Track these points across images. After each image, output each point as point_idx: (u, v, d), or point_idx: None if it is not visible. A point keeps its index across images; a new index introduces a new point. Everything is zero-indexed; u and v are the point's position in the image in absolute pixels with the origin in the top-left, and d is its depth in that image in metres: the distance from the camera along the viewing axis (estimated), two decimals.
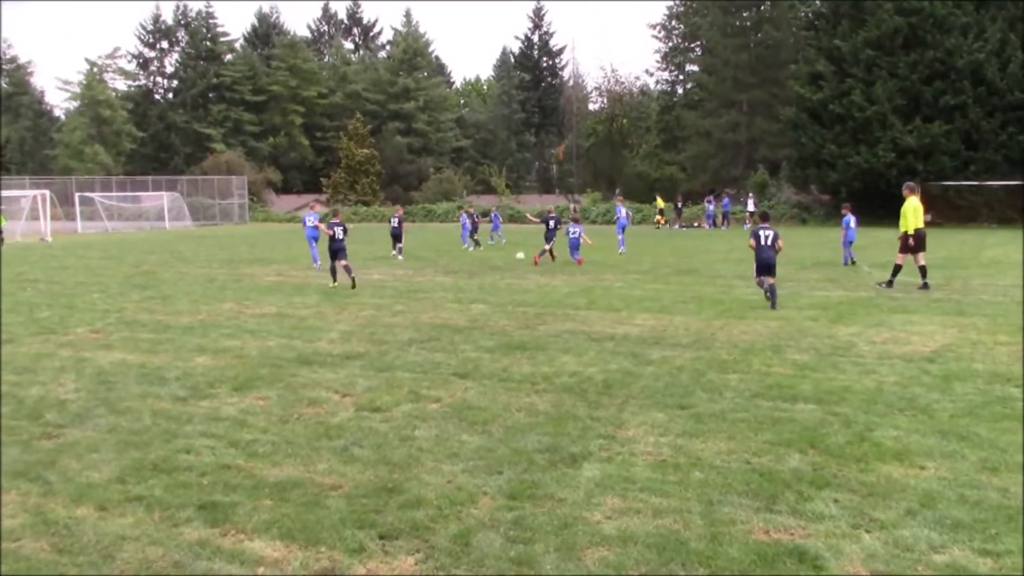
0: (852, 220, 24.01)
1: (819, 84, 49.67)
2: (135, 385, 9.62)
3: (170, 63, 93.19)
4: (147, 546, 5.34)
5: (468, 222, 33.49)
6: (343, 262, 19.33)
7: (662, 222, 51.31)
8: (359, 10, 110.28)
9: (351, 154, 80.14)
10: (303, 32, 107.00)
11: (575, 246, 25.09)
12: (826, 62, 49.33)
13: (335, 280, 19.55)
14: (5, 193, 54.31)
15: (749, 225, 48.56)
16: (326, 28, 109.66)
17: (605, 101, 78.23)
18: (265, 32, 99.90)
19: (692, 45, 72.89)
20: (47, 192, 48.60)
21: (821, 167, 49.50)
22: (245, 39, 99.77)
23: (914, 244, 17.99)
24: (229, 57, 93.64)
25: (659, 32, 74.26)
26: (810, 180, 52.53)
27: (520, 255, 27.29)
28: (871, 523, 5.56)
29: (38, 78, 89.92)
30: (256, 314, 15.20)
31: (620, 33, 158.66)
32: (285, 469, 6.70)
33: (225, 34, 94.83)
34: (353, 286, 18.91)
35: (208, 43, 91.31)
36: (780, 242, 15.76)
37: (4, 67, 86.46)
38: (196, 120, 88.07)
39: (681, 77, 75.51)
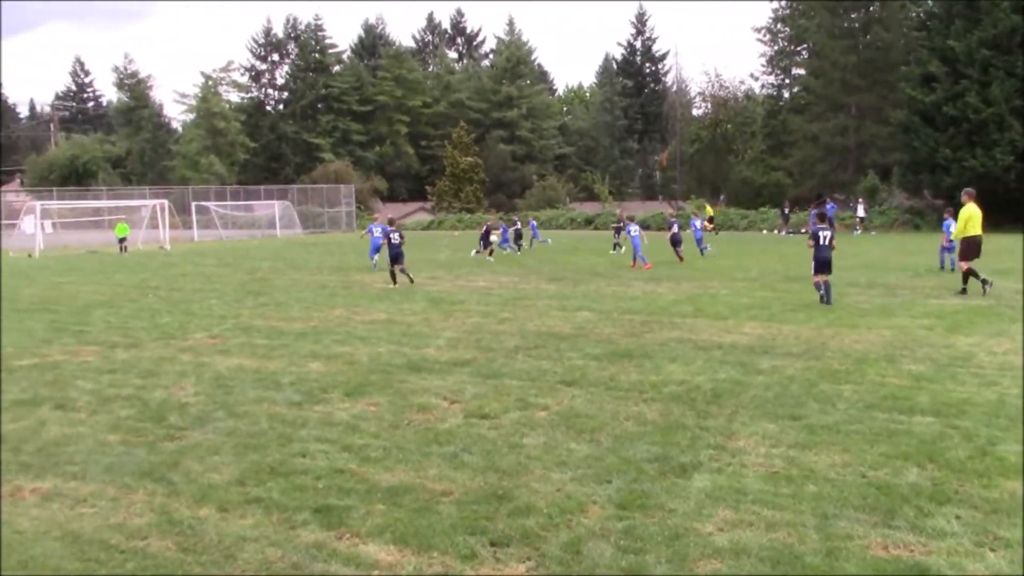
0: (952, 225, 23.13)
1: (932, 86, 48.08)
2: (252, 390, 9.91)
3: (281, 75, 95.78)
4: (266, 547, 5.50)
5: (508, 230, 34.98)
6: (400, 266, 21.23)
7: (710, 228, 51.03)
8: (463, 20, 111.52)
9: (455, 162, 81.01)
10: (408, 42, 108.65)
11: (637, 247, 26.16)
12: (939, 63, 47.73)
13: (395, 282, 21.34)
14: (127, 203, 56.67)
15: (859, 232, 47.33)
16: (430, 38, 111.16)
17: (709, 106, 77.18)
18: (371, 43, 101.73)
19: (798, 48, 71.42)
20: (165, 202, 50.43)
21: (934, 171, 47.89)
22: (352, 50, 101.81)
23: (963, 251, 17.98)
24: (337, 68, 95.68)
25: (764, 35, 73.04)
26: (923, 185, 50.89)
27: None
28: (995, 541, 5.38)
29: (158, 92, 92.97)
30: (366, 320, 15.49)
31: (724, 37, 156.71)
32: (397, 474, 6.81)
33: (333, 46, 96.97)
34: (411, 281, 21.43)
35: (317, 55, 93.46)
36: (834, 241, 16.97)
37: (126, 82, 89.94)
38: (306, 130, 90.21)
39: (787, 81, 74.05)
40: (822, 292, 16.48)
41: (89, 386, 10.27)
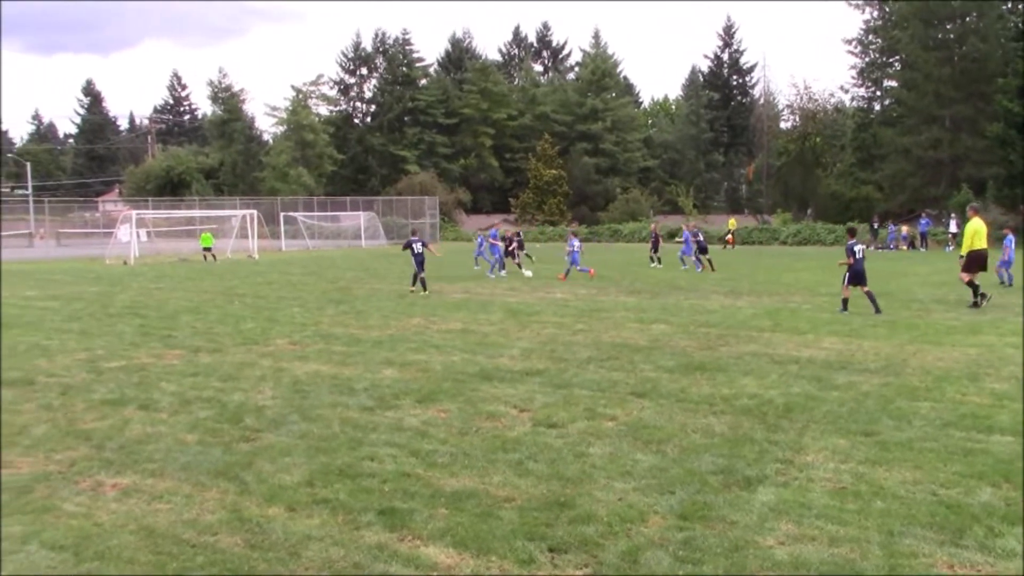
0: (1011, 240, 23.71)
1: None
2: (327, 394, 10.13)
3: (369, 88, 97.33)
4: (330, 547, 5.62)
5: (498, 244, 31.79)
6: (422, 273, 22.86)
7: (732, 243, 50.96)
8: (549, 33, 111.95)
9: (539, 175, 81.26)
10: (494, 56, 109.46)
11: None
12: None
13: (425, 289, 22.66)
14: (218, 213, 58.18)
15: (952, 248, 46.08)
16: (516, 51, 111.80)
17: (797, 119, 76.04)
18: (458, 57, 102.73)
19: (891, 60, 69.93)
20: (255, 212, 51.60)
21: None
22: (439, 64, 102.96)
23: (967, 264, 18.55)
24: (423, 82, 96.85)
25: (855, 47, 71.72)
26: (1019, 199, 49.36)
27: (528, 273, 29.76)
28: None
29: (250, 105, 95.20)
30: (442, 329, 15.67)
31: (813, 49, 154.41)
32: (461, 480, 6.90)
33: (420, 59, 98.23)
34: (425, 291, 22.53)
35: (404, 69, 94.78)
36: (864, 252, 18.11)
37: (220, 95, 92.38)
38: (392, 143, 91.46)
39: (878, 93, 72.57)
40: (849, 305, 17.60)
41: (172, 388, 10.61)
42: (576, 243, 28.34)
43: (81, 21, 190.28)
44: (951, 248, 46.02)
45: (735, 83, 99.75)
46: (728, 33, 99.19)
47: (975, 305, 18.04)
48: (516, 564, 5.34)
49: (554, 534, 5.74)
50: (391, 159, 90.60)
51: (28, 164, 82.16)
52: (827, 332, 14.76)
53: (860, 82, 72.65)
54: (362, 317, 17.75)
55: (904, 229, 49.89)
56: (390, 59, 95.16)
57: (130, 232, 46.76)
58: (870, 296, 17.48)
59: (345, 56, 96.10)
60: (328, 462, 7.39)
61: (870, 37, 70.82)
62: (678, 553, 5.43)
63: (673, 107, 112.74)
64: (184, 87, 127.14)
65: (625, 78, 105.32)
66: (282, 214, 58.95)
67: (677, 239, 38.32)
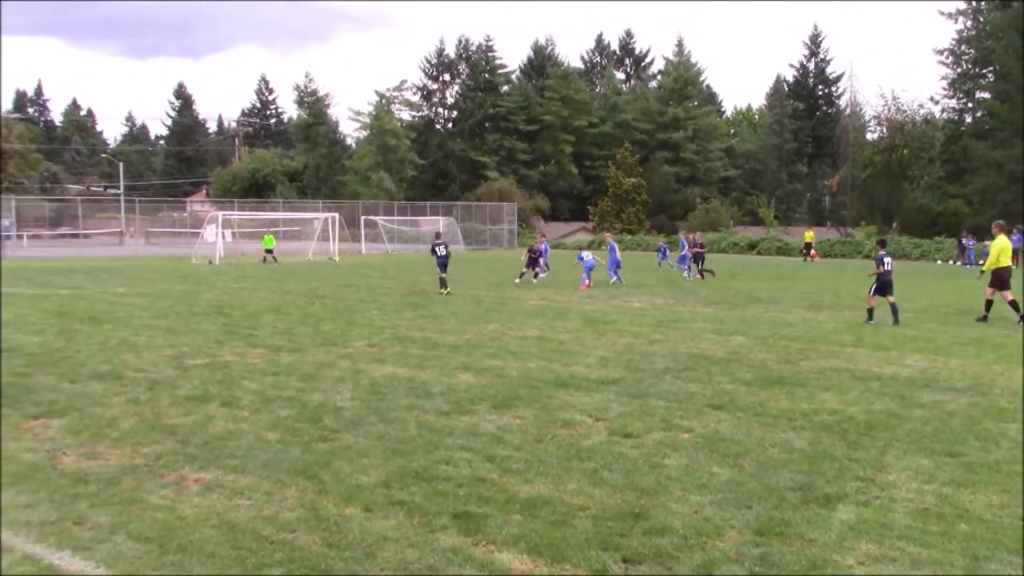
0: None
1: None
2: (404, 397, 10.23)
3: (451, 94, 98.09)
4: (405, 548, 5.68)
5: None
6: (443, 274, 24.70)
7: (815, 256, 50.09)
8: (632, 41, 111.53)
9: (618, 183, 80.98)
10: (576, 63, 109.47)
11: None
12: None
13: (446, 288, 24.43)
14: (302, 215, 59.18)
15: None
16: (599, 59, 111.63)
17: (884, 130, 74.37)
18: (540, 64, 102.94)
19: (983, 71, 68.11)
20: (336, 215, 52.36)
21: None
22: (521, 70, 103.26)
23: (995, 281, 18.72)
24: (505, 88, 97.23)
25: (946, 57, 70.00)
26: None
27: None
28: None
29: (334, 110, 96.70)
30: (518, 336, 15.71)
31: (903, 59, 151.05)
32: (536, 486, 6.91)
33: (503, 66, 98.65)
34: (446, 289, 24.39)
35: (486, 75, 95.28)
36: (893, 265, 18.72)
37: (306, 99, 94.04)
38: (472, 149, 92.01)
39: (970, 105, 70.68)
40: (877, 314, 18.20)
41: (254, 386, 10.83)
42: (587, 254, 29.38)
43: (175, 25, 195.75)
44: None
45: (821, 93, 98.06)
46: (814, 42, 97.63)
47: (984, 319, 18.61)
48: (590, 573, 5.34)
49: (628, 545, 5.72)
50: (471, 165, 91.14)
51: (121, 164, 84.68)
52: (911, 349, 14.43)
53: (951, 93, 70.87)
54: (439, 321, 17.89)
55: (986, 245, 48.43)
56: (473, 65, 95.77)
57: (216, 232, 47.85)
58: (893, 308, 18.14)
59: (428, 62, 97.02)
60: (404, 464, 7.46)
61: (962, 47, 69.05)
62: (754, 569, 5.37)
63: (756, 117, 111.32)
64: (271, 91, 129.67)
65: (708, 87, 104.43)
66: (363, 218, 59.70)
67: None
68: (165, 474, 7.23)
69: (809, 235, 55.70)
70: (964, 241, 50.24)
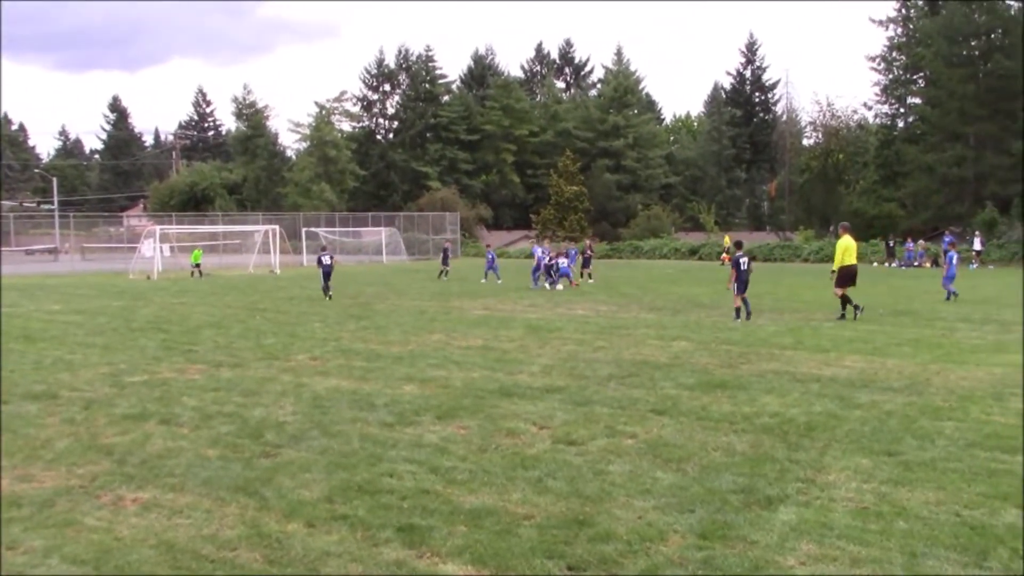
0: (955, 257, 25.88)
1: None
2: (347, 410, 10.14)
3: (391, 105, 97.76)
4: (349, 563, 5.62)
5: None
6: (327, 283, 26.82)
7: (727, 260, 51.30)
8: (571, 50, 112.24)
9: (560, 191, 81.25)
10: (517, 72, 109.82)
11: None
12: None
13: (328, 296, 26.45)
14: (242, 228, 58.53)
15: (976, 265, 45.79)
16: (539, 68, 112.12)
17: (820, 136, 75.69)
18: (480, 73, 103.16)
19: (914, 77, 69.67)
20: (277, 227, 51.87)
21: None
22: (461, 80, 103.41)
23: (839, 279, 19.79)
24: (446, 98, 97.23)
25: (878, 64, 71.53)
26: None
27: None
28: None
29: (273, 121, 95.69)
30: (462, 346, 15.67)
31: (837, 66, 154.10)
32: (481, 496, 6.89)
33: (443, 76, 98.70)
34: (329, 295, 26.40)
35: (427, 85, 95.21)
36: (752, 265, 20.15)
37: (244, 112, 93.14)
38: (414, 159, 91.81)
39: (902, 110, 72.25)
40: (742, 312, 19.53)
41: (193, 403, 10.66)
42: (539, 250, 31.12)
43: (112, 38, 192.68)
44: (975, 266, 45.70)
45: (757, 100, 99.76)
46: (751, 50, 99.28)
47: (843, 318, 19.41)
48: None
49: (573, 552, 5.72)
50: (413, 175, 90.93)
51: (55, 179, 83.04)
52: (849, 350, 14.66)
53: (883, 99, 72.42)
54: (382, 332, 17.78)
55: (921, 246, 49.53)
56: (413, 76, 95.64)
57: (154, 247, 47.13)
58: (745, 302, 19.68)
59: (368, 72, 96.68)
60: (348, 478, 7.39)
61: (894, 54, 70.63)
62: (697, 573, 5.40)
63: (695, 124, 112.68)
64: (209, 103, 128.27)
65: (647, 95, 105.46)
66: (304, 229, 59.22)
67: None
68: (101, 495, 7.07)
69: (727, 240, 56.82)
70: (908, 245, 51.17)
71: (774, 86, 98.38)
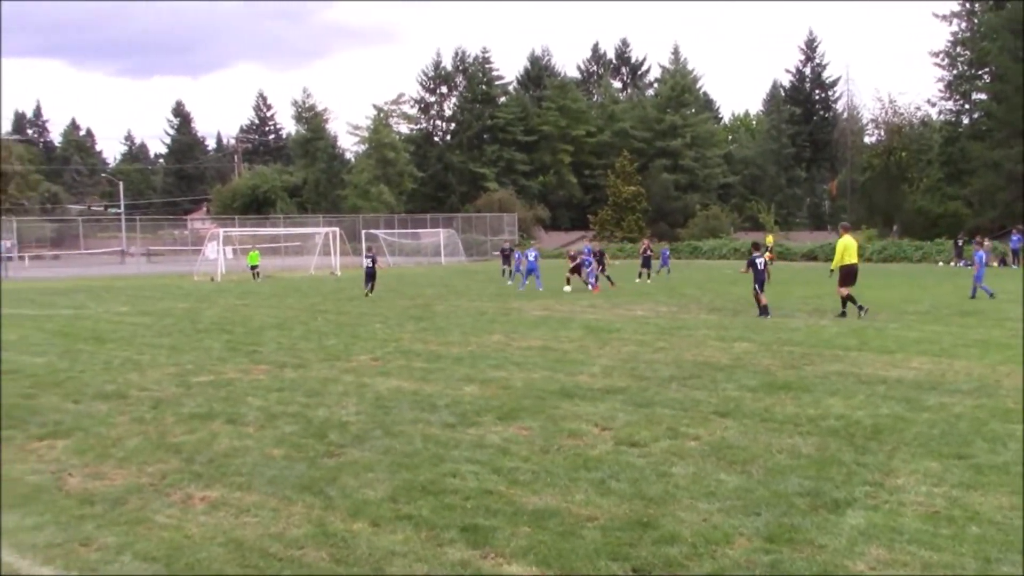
0: (983, 256, 25.81)
1: None
2: (408, 410, 10.21)
3: (449, 107, 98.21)
4: (414, 562, 5.66)
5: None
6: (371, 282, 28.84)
7: (772, 259, 50.51)
8: (628, 49, 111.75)
9: (618, 191, 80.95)
10: (573, 73, 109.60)
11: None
12: None
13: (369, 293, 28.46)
14: (303, 230, 59.24)
15: (1018, 265, 44.68)
16: (595, 68, 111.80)
17: (882, 133, 74.37)
18: (537, 74, 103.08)
19: (979, 72, 68.11)
20: (337, 229, 52.37)
21: None
22: (518, 81, 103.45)
23: (842, 278, 20.01)
24: (503, 99, 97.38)
25: (942, 60, 69.98)
26: None
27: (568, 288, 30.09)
28: None
29: (333, 124, 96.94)
30: (522, 347, 15.69)
31: (899, 62, 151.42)
32: (544, 498, 6.89)
33: (500, 77, 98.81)
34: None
35: (484, 87, 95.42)
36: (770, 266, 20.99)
37: (304, 115, 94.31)
38: (471, 160, 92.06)
39: (967, 106, 70.64)
40: (766, 308, 20.17)
41: (258, 403, 10.81)
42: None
43: (175, 44, 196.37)
44: (1017, 266, 44.59)
45: (817, 97, 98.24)
46: (810, 47, 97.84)
47: (844, 315, 19.74)
48: None
49: (638, 554, 5.69)
50: (470, 176, 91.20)
51: (121, 183, 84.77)
52: (916, 352, 14.40)
53: (947, 95, 70.83)
54: (442, 334, 17.87)
55: (987, 246, 48.41)
56: (470, 77, 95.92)
57: (217, 249, 47.90)
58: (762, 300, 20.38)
59: (425, 75, 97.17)
60: (411, 478, 7.44)
61: (958, 49, 69.09)
62: None
63: (754, 122, 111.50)
64: (270, 107, 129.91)
65: (705, 94, 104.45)
66: (364, 231, 59.73)
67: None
68: (171, 493, 7.21)
69: (769, 238, 56.13)
70: (960, 243, 50.05)
71: (834, 83, 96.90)
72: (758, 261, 20.50)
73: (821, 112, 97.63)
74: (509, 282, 34.59)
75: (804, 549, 5.75)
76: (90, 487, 7.39)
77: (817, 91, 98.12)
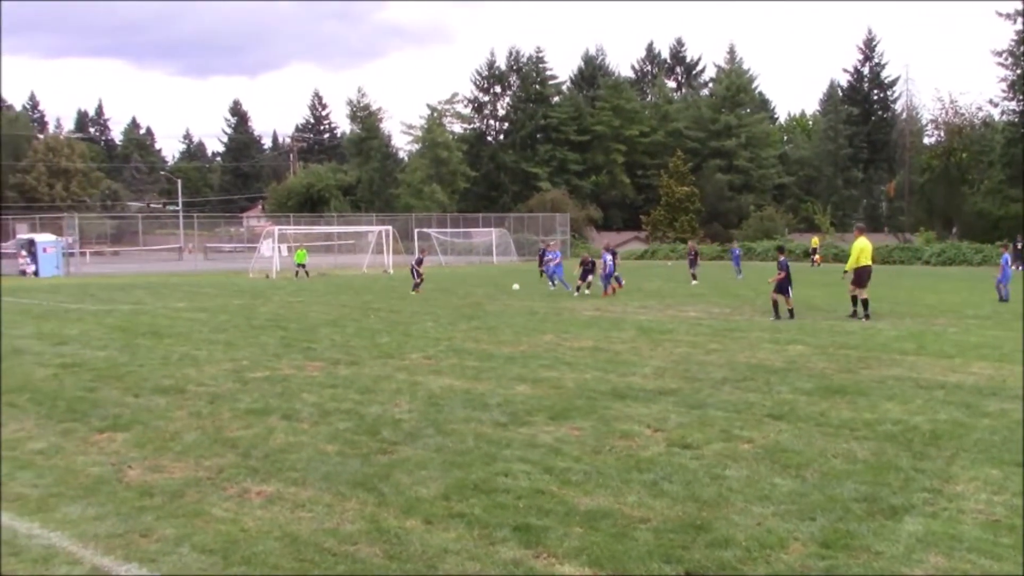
0: (1008, 259, 25.91)
1: None
2: (460, 409, 10.25)
3: (502, 106, 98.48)
4: (466, 560, 5.68)
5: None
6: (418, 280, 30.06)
7: (820, 261, 50.06)
8: (683, 49, 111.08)
9: (671, 191, 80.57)
10: (627, 72, 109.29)
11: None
12: None
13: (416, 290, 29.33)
14: (356, 229, 59.74)
15: None
16: (650, 68, 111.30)
17: (942, 134, 73.04)
18: (591, 74, 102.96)
19: None
20: (390, 228, 52.78)
21: None
22: (572, 81, 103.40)
23: (856, 279, 20.28)
24: (556, 99, 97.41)
25: (1005, 59, 68.51)
26: None
27: (516, 286, 31.37)
28: None
29: (387, 123, 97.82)
30: (574, 347, 15.67)
31: (960, 61, 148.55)
32: (596, 498, 6.88)
33: (553, 77, 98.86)
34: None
35: (537, 86, 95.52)
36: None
37: (358, 114, 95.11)
38: (524, 160, 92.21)
39: None
40: (783, 312, 20.27)
41: (313, 399, 10.93)
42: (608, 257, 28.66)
43: (233, 45, 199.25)
44: None
45: (876, 97, 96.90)
46: (869, 46, 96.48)
47: (854, 315, 20.23)
48: None
49: (691, 557, 5.66)
50: (523, 176, 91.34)
51: (179, 181, 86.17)
52: (975, 356, 14.13)
53: (1010, 95, 69.29)
54: (494, 333, 17.91)
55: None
56: (523, 77, 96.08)
57: (272, 247, 48.51)
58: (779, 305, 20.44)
59: (479, 74, 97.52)
60: (463, 476, 7.47)
61: (1022, 48, 67.61)
62: None
63: (810, 123, 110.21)
64: (325, 107, 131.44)
65: (760, 94, 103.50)
66: (416, 230, 60.08)
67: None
68: (227, 487, 7.31)
69: (815, 240, 55.49)
70: (1020, 246, 49.00)
71: (893, 83, 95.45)
72: (787, 264, 20.49)
73: (879, 112, 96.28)
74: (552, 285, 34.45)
75: (860, 555, 5.67)
76: (149, 479, 7.52)
77: (876, 91, 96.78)
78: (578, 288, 28.79)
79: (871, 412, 9.89)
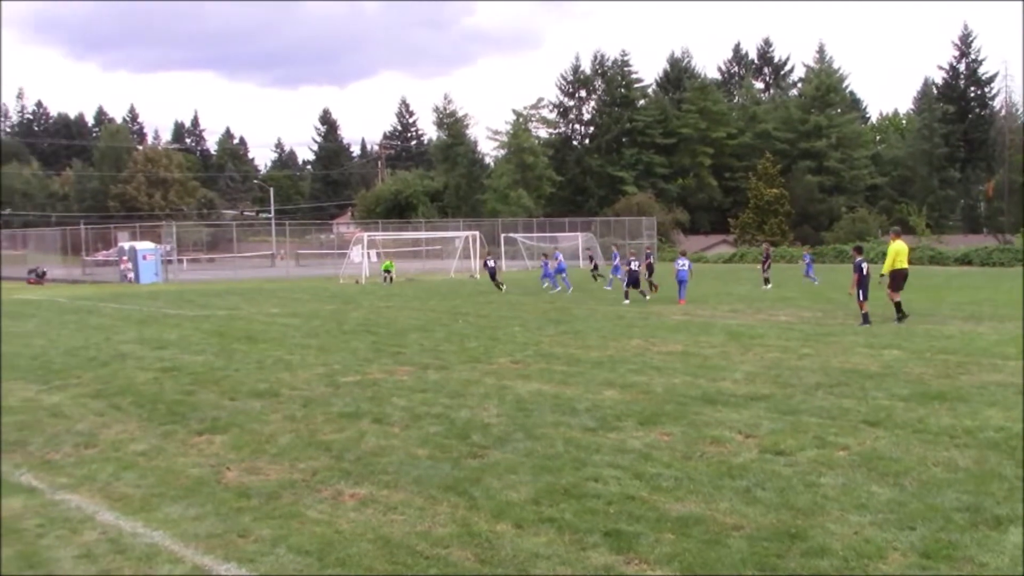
0: None
1: None
2: (549, 414, 10.26)
3: (587, 110, 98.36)
4: (557, 565, 5.68)
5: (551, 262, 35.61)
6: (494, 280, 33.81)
7: None
8: (770, 49, 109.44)
9: (760, 194, 79.44)
10: (713, 74, 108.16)
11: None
12: None
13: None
14: (443, 234, 60.27)
15: None
16: (737, 69, 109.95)
17: None
18: (676, 76, 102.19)
19: None
20: (477, 233, 53.06)
21: None
22: (657, 84, 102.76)
23: (892, 282, 20.15)
24: (642, 102, 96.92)
25: None
26: None
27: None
28: None
29: (473, 130, 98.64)
30: (662, 351, 15.55)
31: None
32: (687, 505, 6.82)
33: (639, 80, 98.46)
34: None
35: (623, 90, 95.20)
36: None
37: (445, 121, 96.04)
38: (610, 164, 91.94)
39: None
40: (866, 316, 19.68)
41: (403, 403, 11.06)
42: (681, 262, 27.11)
43: (323, 55, 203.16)
44: None
45: (973, 95, 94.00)
46: (965, 42, 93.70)
47: (900, 320, 19.88)
48: None
49: (786, 566, 5.57)
50: (609, 180, 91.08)
51: (271, 189, 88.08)
52: None
53: None
54: (581, 337, 17.88)
55: None
56: (609, 81, 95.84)
57: (362, 253, 49.22)
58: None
59: (564, 79, 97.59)
60: (553, 481, 7.48)
61: None
62: None
63: (904, 122, 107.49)
64: (412, 114, 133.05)
65: (851, 93, 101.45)
66: (503, 235, 60.32)
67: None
68: (322, 489, 7.45)
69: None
70: None
71: (991, 80, 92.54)
72: (863, 266, 19.92)
73: (977, 110, 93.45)
74: (607, 287, 35.04)
75: (963, 566, 5.51)
76: (246, 481, 7.71)
77: (972, 88, 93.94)
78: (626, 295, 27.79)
79: (972, 419, 9.59)
